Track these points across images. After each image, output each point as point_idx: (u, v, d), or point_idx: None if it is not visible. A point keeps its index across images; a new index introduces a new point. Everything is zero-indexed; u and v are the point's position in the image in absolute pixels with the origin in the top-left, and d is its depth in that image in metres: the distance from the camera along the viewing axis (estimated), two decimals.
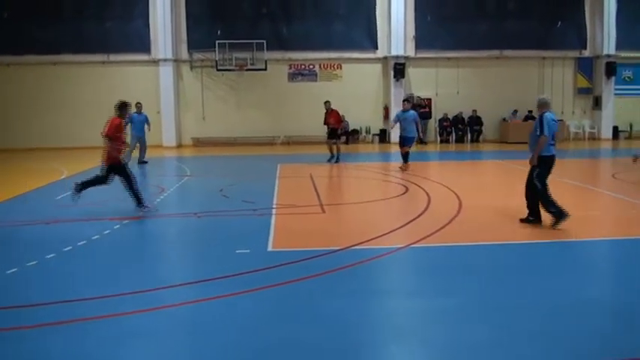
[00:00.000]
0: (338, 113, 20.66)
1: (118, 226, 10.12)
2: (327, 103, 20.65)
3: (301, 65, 28.48)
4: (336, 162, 19.79)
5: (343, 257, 7.98)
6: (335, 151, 20.08)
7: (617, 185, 15.26)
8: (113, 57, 27.24)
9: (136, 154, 19.48)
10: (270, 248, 8.57)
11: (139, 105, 20.22)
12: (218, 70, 27.04)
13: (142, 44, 27.32)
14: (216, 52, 26.53)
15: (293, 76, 28.54)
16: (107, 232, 9.61)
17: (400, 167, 17.78)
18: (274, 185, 14.96)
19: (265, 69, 26.84)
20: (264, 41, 26.55)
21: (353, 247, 8.49)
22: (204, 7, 27.79)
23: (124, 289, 6.60)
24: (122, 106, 11.68)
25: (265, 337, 5.42)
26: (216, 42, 26.47)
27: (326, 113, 20.43)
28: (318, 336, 5.44)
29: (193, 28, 27.67)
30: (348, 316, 5.94)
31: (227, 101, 28.03)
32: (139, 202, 11.06)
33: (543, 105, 10.43)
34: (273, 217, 10.90)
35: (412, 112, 18.67)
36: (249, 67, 26.73)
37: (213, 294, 6.49)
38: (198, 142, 27.85)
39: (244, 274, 7.19)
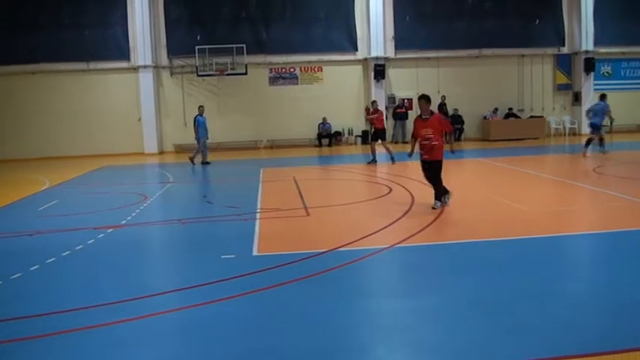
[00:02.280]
0: (382, 113, 20.66)
1: (102, 235, 10.07)
2: (373, 103, 20.62)
3: (282, 69, 28.48)
4: (392, 162, 19.52)
5: (329, 259, 7.99)
6: (385, 151, 19.96)
7: (598, 179, 15.42)
8: (93, 65, 27.07)
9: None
10: (255, 253, 8.56)
11: (201, 108, 21.45)
12: (198, 75, 26.97)
13: (121, 51, 27.18)
14: (196, 57, 26.46)
15: (274, 80, 28.52)
16: (91, 241, 9.56)
17: None
18: (258, 189, 14.95)
19: (246, 73, 26.81)
20: (244, 45, 26.52)
21: (338, 249, 8.50)
22: (183, 12, 27.70)
23: (110, 299, 6.56)
24: None
25: (252, 342, 5.41)
26: (196, 47, 26.40)
27: (371, 113, 20.31)
28: (305, 340, 5.44)
29: (172, 33, 27.57)
30: (334, 318, 5.95)
31: (208, 107, 27.76)
32: None
33: None
34: (258, 221, 10.89)
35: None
36: (230, 71, 26.69)
37: (200, 300, 6.47)
38: (180, 149, 27.74)
39: (230, 279, 7.18)
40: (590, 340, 5.20)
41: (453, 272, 7.41)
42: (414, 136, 11.67)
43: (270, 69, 28.38)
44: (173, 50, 27.47)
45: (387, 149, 19.90)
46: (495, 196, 13.19)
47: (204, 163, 21.22)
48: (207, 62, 26.63)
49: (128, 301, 6.53)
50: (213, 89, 27.93)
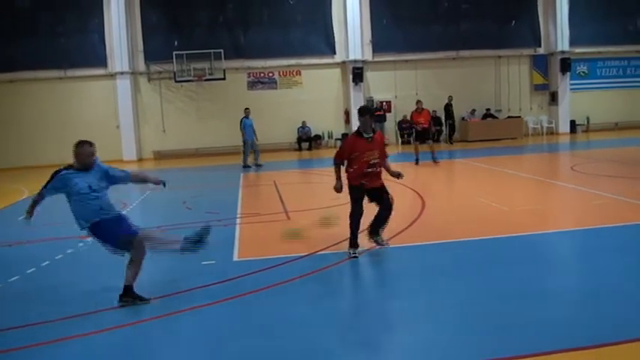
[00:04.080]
0: (429, 112, 20.48)
1: (81, 244, 9.97)
2: (419, 102, 20.45)
3: (260, 73, 28.46)
4: (435, 161, 19.38)
5: (309, 263, 8.01)
6: (431, 151, 19.67)
7: (577, 177, 15.56)
8: (70, 72, 26.84)
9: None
10: (236, 258, 8.56)
11: (247, 110, 21.45)
12: (176, 81, 26.86)
13: (99, 58, 26.98)
14: (174, 63, 26.35)
15: (253, 85, 28.50)
16: (70, 251, 9.48)
17: None
18: (238, 194, 14.91)
19: (224, 78, 26.76)
20: (222, 50, 26.48)
21: (319, 253, 8.52)
22: (159, 18, 27.59)
23: (90, 308, 6.52)
24: None
25: (235, 348, 5.41)
26: (174, 53, 26.30)
27: (417, 113, 20.10)
28: (289, 343, 5.46)
29: (150, 39, 27.44)
30: (316, 321, 5.97)
31: (187, 112, 27.86)
32: None
33: None
34: (238, 226, 10.88)
35: None
36: (208, 77, 26.61)
37: (181, 307, 6.45)
38: (159, 155, 27.62)
39: (211, 285, 7.17)
40: (572, 336, 5.28)
41: (434, 273, 7.46)
42: (342, 162, 8.68)
43: (249, 74, 28.35)
44: (150, 56, 27.34)
45: (430, 148, 19.76)
46: (475, 197, 13.29)
47: (246, 166, 21.01)
48: (185, 68, 26.54)
49: (108, 310, 6.49)
50: (192, 95, 27.84)
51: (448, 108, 28.51)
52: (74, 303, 6.82)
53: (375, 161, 8.33)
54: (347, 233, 9.03)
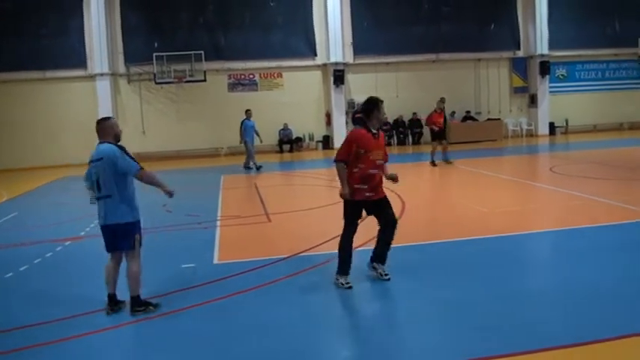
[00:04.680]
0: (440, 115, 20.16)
1: (60, 247, 9.91)
2: (443, 101, 20.26)
3: (241, 75, 28.38)
4: (448, 161, 19.35)
5: (290, 265, 8.01)
6: (444, 151, 19.59)
7: (556, 178, 15.72)
8: (50, 73, 26.51)
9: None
10: (216, 261, 8.53)
11: (249, 112, 20.97)
12: (156, 83, 26.70)
13: (78, 59, 26.71)
14: (154, 64, 26.20)
15: (233, 86, 28.40)
16: (49, 254, 9.40)
17: None
18: (218, 197, 14.86)
19: (205, 80, 26.65)
20: (203, 52, 26.36)
21: (300, 255, 8.52)
22: (140, 19, 27.40)
23: (68, 313, 6.46)
24: None
25: (216, 351, 5.39)
26: (154, 54, 26.14)
27: (438, 114, 19.92)
28: (270, 346, 5.45)
29: (130, 41, 27.22)
30: (297, 324, 5.97)
31: (167, 114, 27.68)
32: None
33: None
34: (219, 229, 10.85)
35: None
36: (188, 78, 26.48)
37: (161, 311, 6.42)
38: (139, 157, 27.30)
39: (191, 288, 7.14)
40: (550, 335, 5.33)
41: (414, 273, 7.49)
42: (347, 161, 7.10)
43: (229, 75, 28.24)
44: (130, 58, 27.14)
45: (436, 148, 19.73)
46: (454, 198, 13.38)
47: (248, 167, 20.73)
48: (166, 69, 26.36)
49: (87, 314, 6.44)
50: (172, 96, 27.68)
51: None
52: (52, 307, 6.76)
53: (380, 162, 7.19)
54: (328, 235, 9.03)
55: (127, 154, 6.43)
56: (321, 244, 9.02)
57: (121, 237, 6.38)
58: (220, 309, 6.46)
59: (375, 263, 7.29)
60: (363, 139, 7.03)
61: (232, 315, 6.28)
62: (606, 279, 6.94)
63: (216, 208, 13.10)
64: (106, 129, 6.51)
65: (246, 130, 20.64)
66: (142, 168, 6.44)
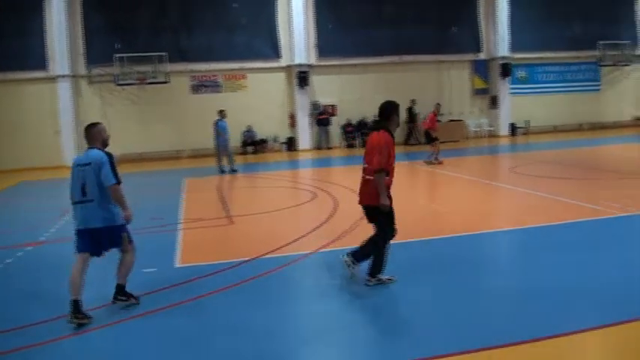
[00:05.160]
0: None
1: (21, 253, 9.74)
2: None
3: (204, 77, 28.19)
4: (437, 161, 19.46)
5: (253, 267, 8.01)
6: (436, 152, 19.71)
7: (516, 178, 15.97)
8: (9, 75, 25.97)
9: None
10: (178, 264, 8.48)
11: (223, 112, 20.74)
12: (118, 84, 26.39)
13: (39, 61, 26.23)
14: (116, 66, 25.89)
15: (196, 88, 28.16)
16: (9, 260, 9.23)
17: None
18: (181, 200, 14.75)
19: (167, 82, 26.41)
20: (165, 53, 26.12)
21: (263, 257, 8.53)
22: (102, 20, 26.99)
23: (27, 321, 6.35)
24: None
25: (180, 355, 5.37)
26: (115, 56, 25.83)
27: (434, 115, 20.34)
28: (233, 349, 5.46)
29: (91, 42, 26.82)
30: (260, 326, 5.98)
31: (129, 116, 27.31)
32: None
33: None
34: (181, 232, 10.77)
35: None
36: (151, 80, 26.22)
37: (124, 316, 6.37)
38: None
39: (152, 293, 7.08)
40: (509, 331, 5.44)
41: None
42: (387, 171, 7.05)
43: (193, 77, 28.02)
44: (92, 59, 26.74)
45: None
46: (417, 199, 13.50)
47: (223, 171, 20.18)
48: (128, 71, 26.08)
49: (46, 322, 6.34)
50: (134, 98, 27.37)
51: (411, 111, 28.84)
52: (13, 315, 6.66)
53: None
54: (290, 236, 9.08)
55: (112, 164, 6.55)
56: (284, 246, 9.05)
57: (106, 240, 6.56)
58: (183, 313, 6.43)
59: (355, 262, 7.17)
60: (393, 144, 7.02)
61: (195, 318, 6.25)
62: (563, 277, 7.09)
63: (179, 211, 13.00)
64: (95, 135, 6.69)
65: (221, 131, 20.34)
66: (118, 183, 6.49)
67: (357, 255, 7.18)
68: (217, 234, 10.72)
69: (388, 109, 7.19)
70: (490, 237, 9.63)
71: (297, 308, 6.61)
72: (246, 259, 8.42)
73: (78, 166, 6.53)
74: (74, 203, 6.52)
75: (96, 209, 6.40)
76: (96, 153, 6.55)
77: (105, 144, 6.76)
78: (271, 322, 6.09)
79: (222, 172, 19.94)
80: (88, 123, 6.93)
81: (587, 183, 14.76)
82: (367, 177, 7.06)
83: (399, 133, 28.78)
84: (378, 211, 6.99)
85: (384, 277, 7.07)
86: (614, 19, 33.25)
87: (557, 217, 10.58)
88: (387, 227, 7.13)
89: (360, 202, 7.27)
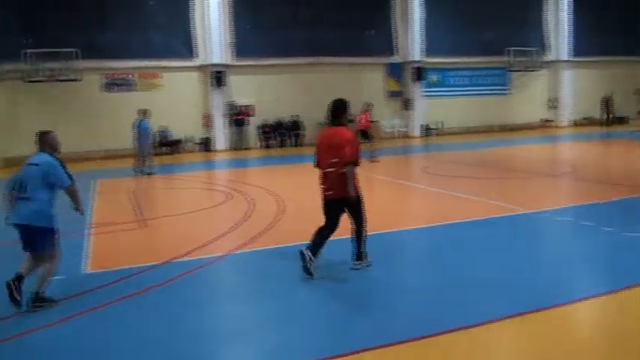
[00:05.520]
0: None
1: None
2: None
3: (117, 75, 27.50)
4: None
5: (167, 271, 7.92)
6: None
7: (428, 178, 16.44)
8: None
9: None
10: (86, 271, 8.26)
11: (146, 112, 19.80)
12: (27, 81, 25.40)
13: None
14: (25, 62, 24.91)
15: (109, 87, 27.43)
16: None
17: None
18: (91, 203, 14.31)
19: (79, 79, 25.63)
20: (78, 50, 25.34)
21: (177, 260, 8.45)
22: (11, 14, 25.89)
23: None
24: None
25: None
26: (24, 52, 24.86)
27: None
28: (146, 354, 5.40)
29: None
30: (174, 330, 5.94)
31: (40, 114, 26.26)
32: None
33: None
34: (90, 237, 10.49)
35: None
36: (61, 77, 25.37)
37: (32, 326, 6.16)
38: (10, 162, 25.97)
39: (62, 300, 6.89)
40: (418, 325, 5.65)
41: (289, 275, 7.61)
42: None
43: (106, 75, 27.26)
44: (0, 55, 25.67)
45: None
46: None
47: (144, 171, 19.44)
48: (38, 68, 25.15)
49: None
50: (45, 97, 26.32)
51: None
52: None
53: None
54: (205, 238, 9.06)
55: (64, 167, 7.04)
56: (199, 248, 8.99)
57: (34, 239, 6.82)
58: (92, 321, 6.30)
59: (314, 255, 7.46)
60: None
61: (104, 326, 6.14)
62: (469, 271, 7.46)
63: (89, 215, 12.62)
64: (46, 141, 7.13)
65: (142, 131, 19.58)
66: (72, 182, 7.05)
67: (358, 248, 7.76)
68: (130, 238, 10.51)
69: (341, 108, 7.67)
70: (404, 235, 9.88)
71: (213, 310, 6.59)
72: (160, 262, 8.32)
73: (28, 164, 6.94)
74: (18, 199, 6.83)
75: (30, 207, 6.73)
76: (46, 157, 6.94)
77: (54, 149, 7.15)
78: (187, 325, 6.06)
79: (143, 173, 19.43)
80: (41, 130, 7.37)
81: (496, 182, 15.43)
82: (340, 171, 7.40)
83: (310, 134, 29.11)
84: (348, 202, 7.47)
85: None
86: (523, 27, 35.01)
87: (467, 214, 11.03)
88: (363, 213, 7.70)
89: (328, 197, 7.61)
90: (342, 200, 7.48)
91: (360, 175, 8.00)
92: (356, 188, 7.51)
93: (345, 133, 7.52)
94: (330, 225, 7.59)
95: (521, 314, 5.97)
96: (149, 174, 19.32)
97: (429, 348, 5.32)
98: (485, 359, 5.22)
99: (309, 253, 7.36)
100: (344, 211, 7.62)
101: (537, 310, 6.04)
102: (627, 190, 13.02)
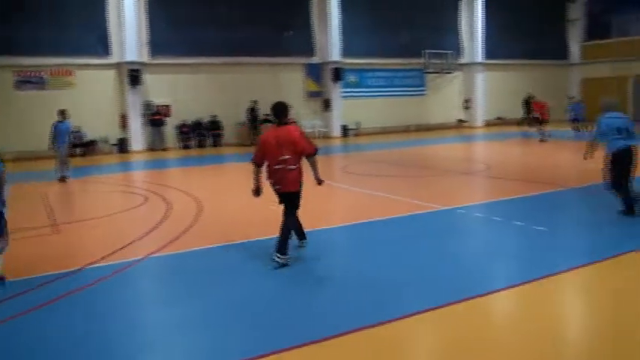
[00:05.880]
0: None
1: None
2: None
3: (29, 72, 26.43)
4: None
5: (82, 277, 7.70)
6: None
7: (347, 177, 16.65)
8: None
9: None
10: None
11: (65, 112, 18.50)
12: None
13: None
14: None
15: (20, 85, 26.33)
16: None
17: None
18: None
19: None
20: None
21: (92, 265, 8.22)
22: None
23: None
24: None
25: None
26: None
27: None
28: None
29: None
30: (90, 339, 5.77)
31: None
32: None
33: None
34: None
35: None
36: None
37: None
38: None
39: None
40: (344, 322, 5.67)
41: (205, 278, 7.61)
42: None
43: (16, 72, 26.15)
44: None
45: None
46: (251, 199, 13.59)
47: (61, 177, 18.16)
48: None
49: None
50: None
51: (253, 112, 28.92)
52: None
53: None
54: (120, 242, 8.87)
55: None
56: (114, 253, 8.79)
57: None
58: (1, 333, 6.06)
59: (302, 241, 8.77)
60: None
61: (12, 339, 5.90)
62: (390, 268, 7.68)
63: None
64: None
65: (60, 133, 18.24)
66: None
67: (301, 234, 8.72)
68: (41, 244, 10.11)
69: (283, 109, 8.24)
70: (326, 233, 9.94)
71: (131, 315, 6.44)
72: (74, 269, 8.07)
73: None
74: None
75: None
76: None
77: None
78: (105, 332, 5.90)
79: (62, 176, 18.22)
80: None
81: (414, 180, 15.84)
82: (290, 167, 8.05)
83: (243, 135, 28.96)
84: (296, 195, 8.23)
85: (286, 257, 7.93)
86: (439, 31, 36.18)
87: (384, 212, 11.32)
88: (297, 208, 8.37)
89: (282, 190, 8.18)
90: (289, 194, 8.17)
91: None
92: (300, 182, 8.21)
93: (294, 130, 8.16)
94: (294, 210, 8.37)
95: (439, 307, 6.20)
96: (64, 178, 18.42)
97: (338, 348, 5.39)
98: (400, 354, 5.32)
99: (279, 256, 7.84)
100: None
101: (453, 303, 6.29)
102: (539, 186, 13.63)
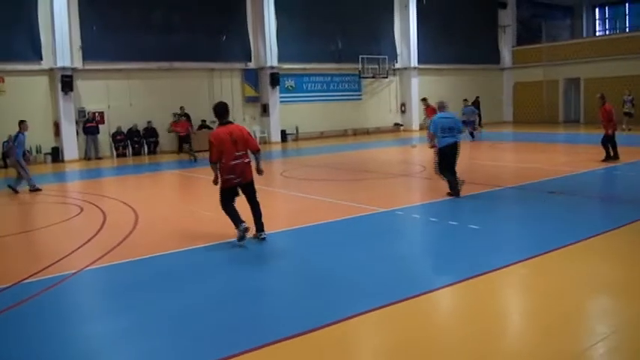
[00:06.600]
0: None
1: None
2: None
3: None
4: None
5: (13, 295, 7.43)
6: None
7: (285, 182, 16.73)
8: None
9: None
10: None
11: (25, 123, 17.73)
12: None
13: None
14: None
15: None
16: None
17: None
18: None
19: None
20: None
21: (25, 281, 7.96)
22: None
23: None
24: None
25: None
26: None
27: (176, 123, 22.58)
28: None
29: None
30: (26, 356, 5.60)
31: None
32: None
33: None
34: None
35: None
36: None
37: None
38: None
39: None
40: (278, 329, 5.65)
41: (146, 288, 7.52)
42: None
43: None
44: None
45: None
46: (187, 206, 13.51)
47: (35, 188, 17.33)
48: None
49: None
50: None
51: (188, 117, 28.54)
52: None
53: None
54: (55, 256, 8.70)
55: None
56: (47, 268, 8.54)
57: None
58: None
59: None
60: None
61: None
62: (332, 269, 7.82)
63: None
64: None
65: (20, 145, 17.59)
66: None
67: (260, 226, 9.71)
68: None
69: (226, 109, 9.54)
70: (270, 237, 9.90)
71: (68, 331, 6.27)
72: (5, 285, 7.79)
73: None
74: None
75: None
76: None
77: None
78: (41, 351, 5.72)
79: (36, 189, 17.37)
80: None
81: (352, 184, 15.99)
82: (246, 160, 9.31)
83: (173, 142, 28.46)
84: (252, 182, 9.56)
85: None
86: (374, 36, 36.82)
87: (324, 216, 11.47)
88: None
89: (243, 181, 9.36)
90: (247, 184, 9.41)
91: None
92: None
93: (243, 128, 9.48)
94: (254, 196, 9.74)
95: (382, 307, 6.31)
96: (11, 187, 17.62)
97: (281, 351, 5.39)
98: (345, 355, 5.37)
99: (241, 229, 9.24)
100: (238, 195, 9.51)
101: (396, 302, 6.43)
102: (475, 186, 13.91)
